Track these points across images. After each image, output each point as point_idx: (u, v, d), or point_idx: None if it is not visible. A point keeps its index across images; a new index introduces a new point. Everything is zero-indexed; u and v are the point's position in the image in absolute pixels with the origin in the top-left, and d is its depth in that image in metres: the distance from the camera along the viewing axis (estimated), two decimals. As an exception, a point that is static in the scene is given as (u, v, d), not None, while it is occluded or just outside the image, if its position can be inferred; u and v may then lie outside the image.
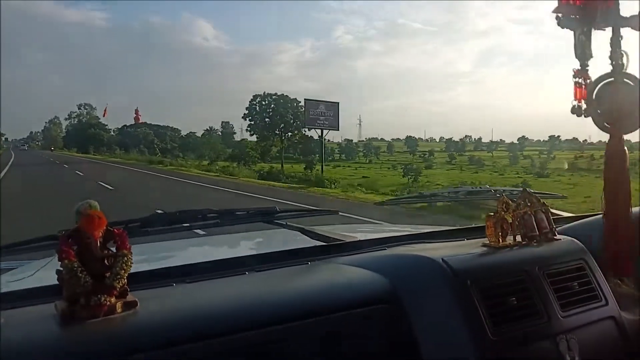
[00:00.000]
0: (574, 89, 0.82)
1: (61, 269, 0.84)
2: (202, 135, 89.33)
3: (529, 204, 1.34)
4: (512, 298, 1.12)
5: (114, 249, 0.89)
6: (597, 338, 1.20)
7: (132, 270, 0.90)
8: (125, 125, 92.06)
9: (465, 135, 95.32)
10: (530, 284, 1.17)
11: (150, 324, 0.87)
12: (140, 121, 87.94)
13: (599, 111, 0.80)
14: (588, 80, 0.81)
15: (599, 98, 0.79)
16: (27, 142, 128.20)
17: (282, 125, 52.80)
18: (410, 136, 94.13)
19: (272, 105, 53.25)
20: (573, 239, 1.35)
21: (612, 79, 0.79)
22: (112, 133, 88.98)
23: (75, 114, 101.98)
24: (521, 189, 1.45)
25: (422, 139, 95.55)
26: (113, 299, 0.86)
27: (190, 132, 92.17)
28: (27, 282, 1.15)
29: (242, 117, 54.34)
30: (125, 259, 0.87)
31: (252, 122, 53.76)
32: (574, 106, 0.82)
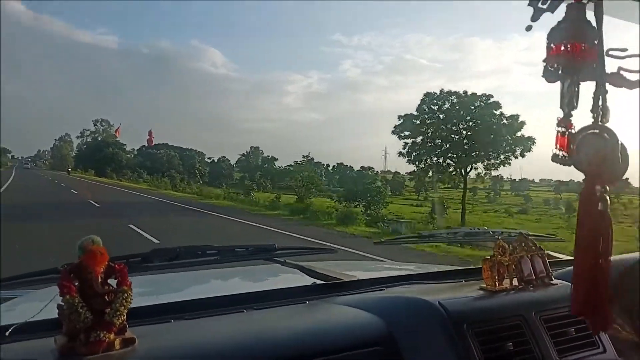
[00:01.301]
0: (556, 137, 0.85)
1: (62, 303, 0.86)
2: (237, 161, 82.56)
3: (525, 248, 1.35)
4: (508, 343, 1.12)
5: (114, 284, 0.91)
6: None
7: (131, 305, 0.91)
8: (143, 146, 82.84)
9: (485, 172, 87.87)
10: (527, 329, 1.17)
11: None
12: (153, 143, 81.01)
13: (580, 161, 0.83)
14: (570, 130, 0.84)
15: (580, 148, 0.83)
16: (34, 161, 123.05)
17: (477, 146, 29.14)
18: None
19: (461, 113, 29.51)
20: (570, 283, 1.36)
21: (594, 130, 0.83)
22: (129, 154, 79.83)
23: (89, 131, 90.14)
24: (518, 231, 1.47)
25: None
26: (112, 336, 0.87)
27: (223, 156, 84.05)
28: (28, 315, 1.15)
29: (393, 132, 31.01)
30: (126, 295, 0.88)
31: (412, 141, 30.48)
32: (555, 154, 0.85)
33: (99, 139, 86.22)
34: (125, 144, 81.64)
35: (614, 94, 0.81)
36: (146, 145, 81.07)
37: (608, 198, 0.83)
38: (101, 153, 73.41)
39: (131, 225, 12.64)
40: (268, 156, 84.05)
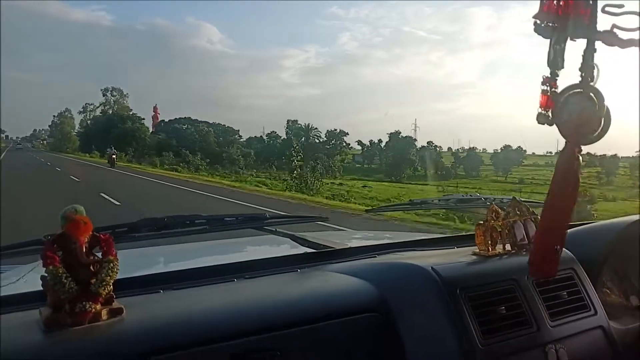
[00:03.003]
0: (541, 96, 0.83)
1: (46, 275, 0.83)
2: (284, 138, 60.14)
3: (518, 213, 1.34)
4: (501, 307, 1.12)
5: (100, 255, 0.88)
6: (586, 348, 1.21)
7: (118, 276, 0.88)
8: (162, 121, 64.76)
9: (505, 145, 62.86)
10: (520, 293, 1.17)
11: (136, 332, 0.86)
12: (158, 120, 65.98)
13: (562, 120, 0.82)
14: (554, 89, 0.82)
15: (563, 107, 0.81)
16: (31, 141, 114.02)
17: None
18: (507, 145, 59.96)
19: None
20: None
21: (579, 90, 0.80)
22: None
23: (93, 105, 68.73)
24: (510, 197, 1.46)
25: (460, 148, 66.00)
26: (98, 306, 0.85)
27: (273, 131, 63.49)
28: (11, 287, 1.13)
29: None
30: (111, 265, 0.86)
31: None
32: (539, 114, 0.83)
33: (110, 111, 66.01)
34: (144, 118, 60.67)
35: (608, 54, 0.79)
36: (151, 122, 65.10)
37: (581, 159, 0.82)
38: (116, 130, 54.54)
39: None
40: (335, 130, 61.43)
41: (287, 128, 65.19)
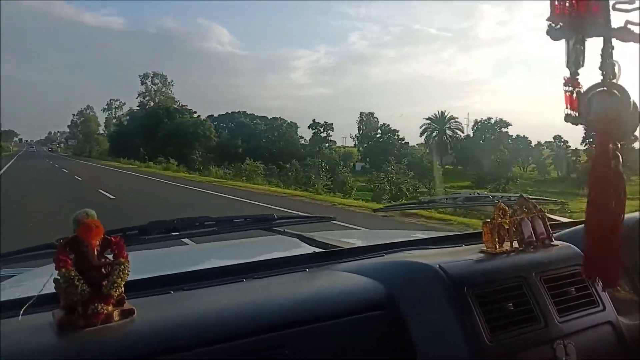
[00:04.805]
0: (565, 97, 0.83)
1: (59, 277, 0.85)
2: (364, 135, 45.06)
3: (525, 210, 1.34)
4: (509, 304, 1.12)
5: (111, 257, 0.90)
6: (595, 343, 1.21)
7: (129, 277, 0.90)
8: (211, 116, 49.16)
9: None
10: (528, 289, 1.17)
11: (147, 332, 0.87)
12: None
13: (590, 120, 0.82)
14: (577, 89, 0.82)
15: (589, 107, 0.81)
16: (46, 144, 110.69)
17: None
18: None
19: None
20: (570, 244, 1.36)
21: (603, 88, 0.80)
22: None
23: (119, 102, 54.80)
24: (518, 195, 1.46)
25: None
26: (110, 307, 0.86)
27: (385, 124, 45.77)
28: (25, 290, 1.15)
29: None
30: (122, 267, 0.87)
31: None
32: (567, 114, 0.83)
33: (151, 103, 50.21)
34: (195, 111, 45.47)
35: (622, 49, 0.79)
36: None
37: (620, 155, 0.81)
38: (164, 127, 40.69)
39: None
40: (488, 119, 44.08)
41: (359, 123, 49.76)
